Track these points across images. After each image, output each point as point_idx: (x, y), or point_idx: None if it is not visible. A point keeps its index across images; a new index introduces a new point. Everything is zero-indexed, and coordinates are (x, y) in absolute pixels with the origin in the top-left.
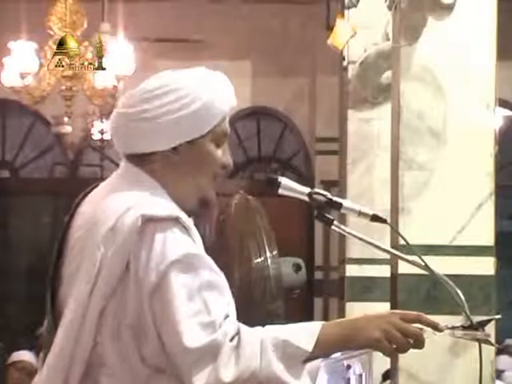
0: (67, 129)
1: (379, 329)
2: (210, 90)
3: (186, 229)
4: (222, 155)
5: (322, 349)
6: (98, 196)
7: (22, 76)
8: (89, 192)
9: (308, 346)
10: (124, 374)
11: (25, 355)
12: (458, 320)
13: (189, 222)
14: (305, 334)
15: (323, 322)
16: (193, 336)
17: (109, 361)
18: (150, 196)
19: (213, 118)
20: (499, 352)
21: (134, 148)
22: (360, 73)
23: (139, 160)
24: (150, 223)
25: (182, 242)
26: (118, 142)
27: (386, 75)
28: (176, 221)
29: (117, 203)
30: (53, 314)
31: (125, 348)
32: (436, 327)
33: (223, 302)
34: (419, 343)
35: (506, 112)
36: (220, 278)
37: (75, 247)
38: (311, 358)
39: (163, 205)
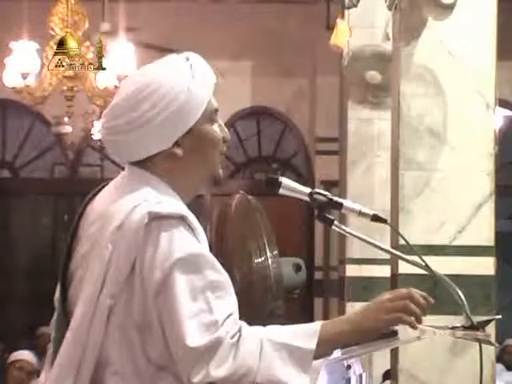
0: (67, 129)
1: (381, 320)
2: (190, 76)
3: (191, 228)
4: (220, 130)
5: (323, 349)
6: (106, 197)
7: (24, 76)
8: (97, 193)
9: (310, 345)
10: (130, 372)
11: (25, 355)
12: (458, 320)
13: (195, 221)
14: (305, 334)
15: (323, 322)
16: (195, 335)
17: (116, 360)
18: (157, 194)
19: (201, 101)
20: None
21: (134, 156)
22: (348, 68)
23: (144, 163)
24: (156, 221)
25: (188, 241)
26: (115, 154)
27: (371, 74)
28: (182, 219)
29: (124, 203)
30: (64, 313)
31: (131, 347)
32: (412, 324)
33: (227, 302)
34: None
35: (506, 112)
36: (224, 278)
37: (85, 247)
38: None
39: (170, 203)
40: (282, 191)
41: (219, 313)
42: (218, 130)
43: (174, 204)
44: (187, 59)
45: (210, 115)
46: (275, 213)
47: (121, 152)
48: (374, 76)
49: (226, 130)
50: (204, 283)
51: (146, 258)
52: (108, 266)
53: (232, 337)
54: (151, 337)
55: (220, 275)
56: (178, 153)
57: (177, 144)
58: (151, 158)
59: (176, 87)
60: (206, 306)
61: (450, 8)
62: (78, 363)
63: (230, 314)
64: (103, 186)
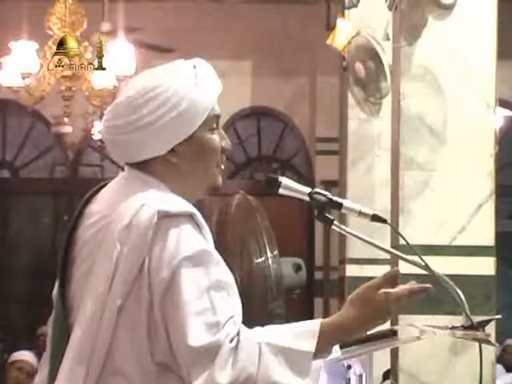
0: (67, 129)
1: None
2: (194, 84)
3: (199, 226)
4: (219, 139)
5: (323, 349)
6: (107, 197)
7: (23, 76)
8: (95, 192)
9: (309, 347)
10: (135, 372)
11: (25, 355)
12: (458, 320)
13: (202, 219)
14: (304, 335)
15: (322, 321)
16: (197, 335)
17: (122, 359)
18: (161, 194)
19: (203, 110)
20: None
21: (131, 157)
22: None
23: (141, 166)
24: (165, 219)
25: (196, 239)
26: (114, 154)
27: (357, 66)
28: (190, 217)
29: (130, 203)
30: (63, 313)
31: (138, 346)
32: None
33: (229, 303)
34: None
35: (506, 112)
36: (229, 278)
37: (86, 246)
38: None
39: (177, 201)
40: (281, 191)
41: (222, 314)
42: (217, 138)
43: (180, 202)
44: (194, 67)
45: (210, 123)
46: (275, 213)
47: (118, 152)
48: (359, 69)
49: (228, 139)
50: (209, 282)
51: (153, 257)
52: (116, 266)
53: (231, 340)
54: (157, 336)
55: (225, 274)
56: (173, 160)
57: (173, 151)
58: (148, 162)
59: (178, 94)
60: (210, 305)
61: (450, 8)
62: (87, 363)
63: (231, 317)
64: (100, 187)
